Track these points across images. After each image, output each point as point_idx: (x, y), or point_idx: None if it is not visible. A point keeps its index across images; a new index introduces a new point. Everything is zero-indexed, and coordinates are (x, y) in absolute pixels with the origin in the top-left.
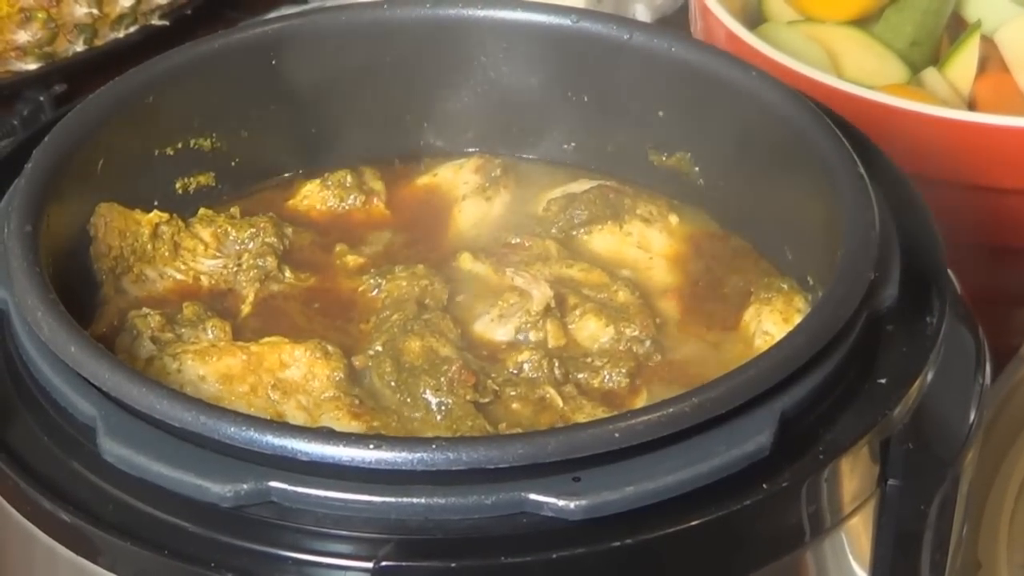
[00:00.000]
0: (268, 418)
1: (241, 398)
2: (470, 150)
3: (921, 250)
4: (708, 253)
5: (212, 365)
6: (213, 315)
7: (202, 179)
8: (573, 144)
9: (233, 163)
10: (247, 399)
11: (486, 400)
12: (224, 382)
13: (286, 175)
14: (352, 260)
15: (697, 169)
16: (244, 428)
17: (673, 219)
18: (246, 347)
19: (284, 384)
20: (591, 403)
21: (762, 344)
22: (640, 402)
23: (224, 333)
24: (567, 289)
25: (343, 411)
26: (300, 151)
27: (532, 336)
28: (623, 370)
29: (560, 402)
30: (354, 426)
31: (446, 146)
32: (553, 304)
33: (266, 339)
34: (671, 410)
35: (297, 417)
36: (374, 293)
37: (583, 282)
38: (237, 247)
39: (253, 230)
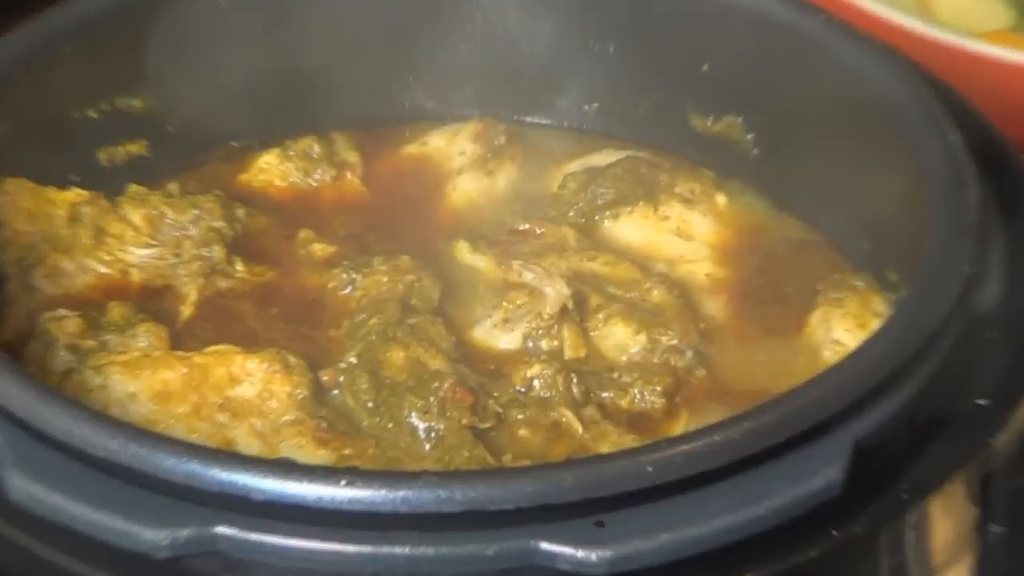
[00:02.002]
0: (214, 447)
1: (181, 421)
2: (467, 113)
3: None
4: (764, 242)
5: (145, 380)
6: (146, 318)
7: (132, 148)
8: (595, 105)
9: (171, 128)
10: (188, 423)
11: (486, 425)
12: (160, 401)
13: (237, 143)
14: (320, 249)
15: (750, 137)
16: (184, 459)
17: (720, 199)
18: (187, 358)
19: (234, 404)
20: (618, 429)
21: (831, 356)
22: (678, 428)
23: (160, 340)
24: (588, 287)
25: (307, 438)
26: (255, 113)
27: (544, 345)
28: (658, 388)
29: (579, 428)
30: (321, 456)
31: (438, 108)
32: (571, 305)
33: (212, 348)
34: (717, 438)
35: (250, 446)
36: (347, 291)
37: (608, 278)
38: (176, 233)
39: (196, 212)
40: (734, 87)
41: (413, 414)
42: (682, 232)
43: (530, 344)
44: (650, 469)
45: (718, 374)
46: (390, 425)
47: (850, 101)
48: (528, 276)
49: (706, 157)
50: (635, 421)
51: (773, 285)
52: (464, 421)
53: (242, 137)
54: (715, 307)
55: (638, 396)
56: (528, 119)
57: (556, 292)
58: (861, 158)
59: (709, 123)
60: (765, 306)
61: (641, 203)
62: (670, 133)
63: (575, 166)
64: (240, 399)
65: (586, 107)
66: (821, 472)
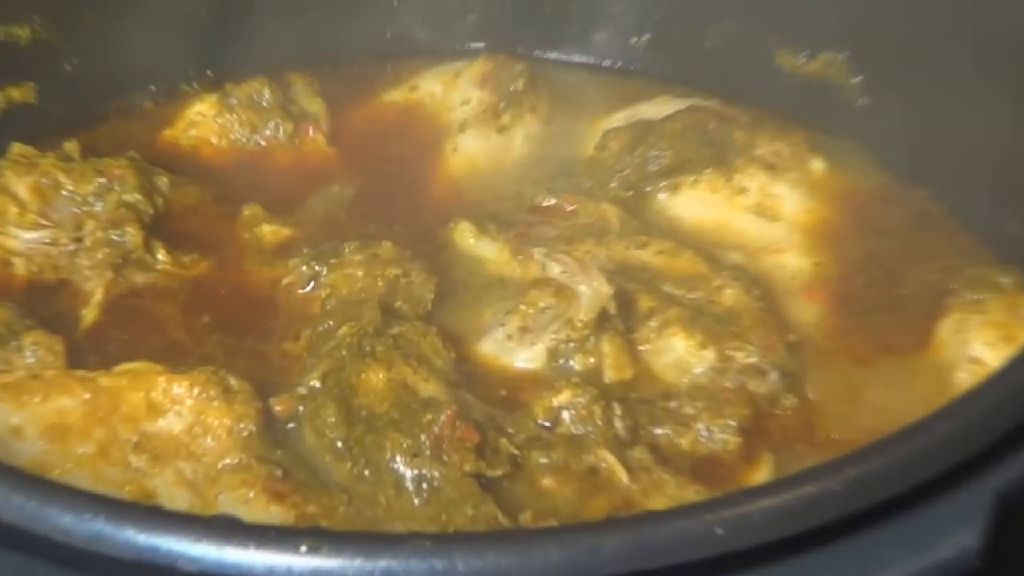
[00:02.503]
0: (128, 500)
1: (83, 465)
2: (472, 46)
3: None
4: (877, 222)
5: (33, 409)
6: (34, 324)
7: (15, 93)
8: (647, 36)
9: (69, 66)
10: (93, 467)
11: (498, 473)
12: (54, 438)
13: (159, 87)
14: (270, 232)
15: (857, 80)
16: (87, 516)
17: (817, 164)
18: (91, 380)
19: (155, 443)
20: (676, 478)
21: (966, 378)
22: (759, 477)
23: (53, 355)
24: (637, 284)
25: (255, 489)
26: (185, 43)
27: (577, 363)
28: (731, 422)
29: (624, 476)
30: (275, 515)
31: (432, 39)
32: (613, 309)
33: (124, 366)
34: (812, 490)
35: (177, 498)
36: (308, 289)
37: (664, 272)
38: (75, 209)
39: (102, 181)
40: (836, 11)
41: (398, 457)
42: (764, 210)
43: (558, 362)
44: (720, 532)
45: (813, 404)
46: (367, 472)
47: (1004, 36)
48: (555, 269)
49: (797, 108)
50: (701, 467)
51: (886, 281)
52: (467, 467)
53: (166, 78)
54: (809, 312)
55: (704, 433)
56: (554, 55)
57: (593, 291)
58: (1013, 111)
59: (801, 61)
60: (876, 311)
61: (709, 170)
62: (748, 75)
63: (619, 119)
64: (163, 436)
65: (634, 39)
66: (953, 536)
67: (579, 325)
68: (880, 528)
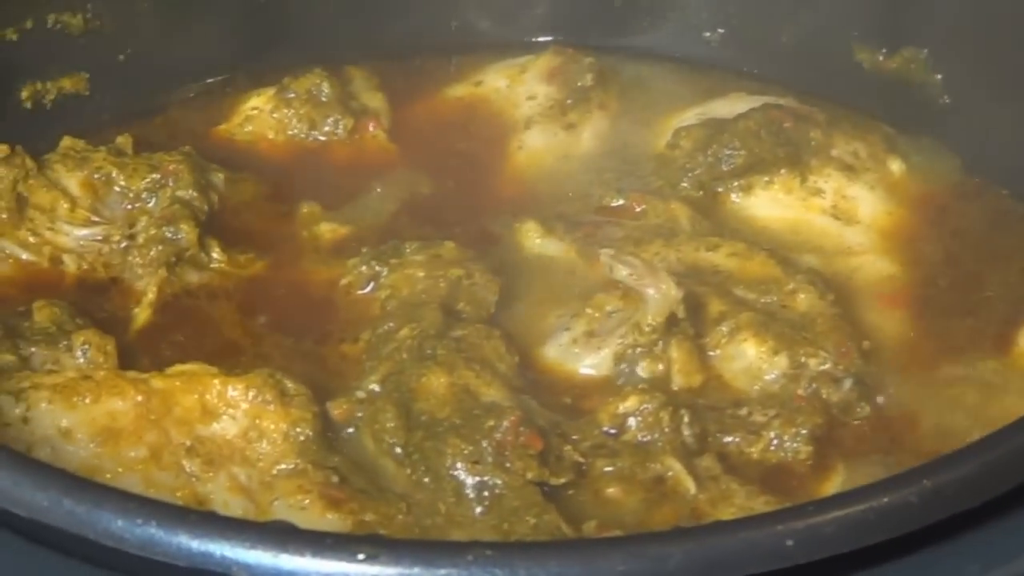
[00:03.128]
0: (181, 505)
1: (134, 470)
2: (540, 39)
3: None
4: (957, 223)
5: (84, 411)
6: (85, 324)
7: (67, 84)
8: (720, 31)
9: (122, 56)
10: (145, 472)
11: (561, 481)
12: (105, 441)
13: (215, 79)
14: (329, 231)
15: (939, 77)
16: (139, 520)
17: (896, 165)
18: (143, 381)
19: (209, 447)
20: (746, 488)
21: None
22: (832, 488)
23: (105, 356)
24: (707, 287)
25: (312, 496)
26: (243, 35)
27: (644, 370)
28: (803, 431)
29: (692, 486)
30: (331, 522)
31: (497, 31)
32: (682, 314)
33: (178, 368)
34: (887, 500)
35: (231, 505)
36: (367, 290)
37: (736, 275)
38: (128, 206)
39: (156, 176)
40: (917, 7)
41: (459, 464)
42: (841, 212)
43: (624, 368)
44: (790, 544)
45: (888, 413)
46: (427, 480)
47: None
48: (622, 272)
49: (876, 106)
50: (771, 477)
51: (967, 285)
52: (530, 475)
53: (223, 70)
54: (885, 318)
55: (775, 442)
56: (624, 49)
57: (662, 295)
58: None
59: (881, 58)
60: (956, 315)
61: (784, 170)
62: (825, 72)
63: (690, 117)
64: (217, 440)
65: (707, 33)
66: None
67: (647, 329)
68: (956, 541)
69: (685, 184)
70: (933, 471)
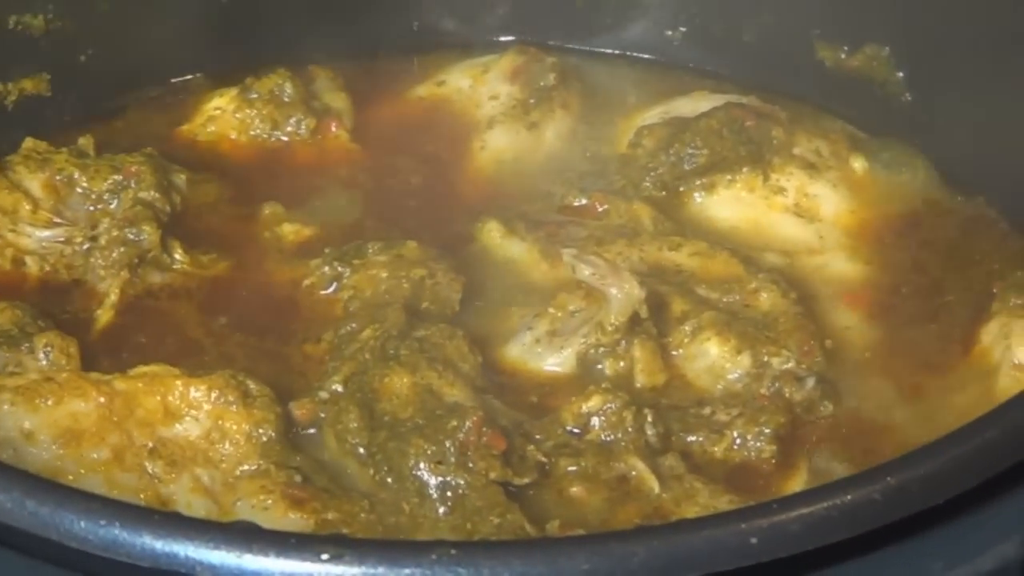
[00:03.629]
0: (144, 506)
1: (96, 471)
2: (502, 39)
3: None
4: (919, 223)
5: (46, 413)
6: (47, 325)
7: (28, 85)
8: (682, 30)
9: (83, 57)
10: (107, 473)
11: (524, 481)
12: (67, 443)
13: (177, 79)
14: (292, 232)
15: (901, 75)
16: (102, 523)
17: (858, 163)
18: (105, 383)
19: (171, 448)
20: (709, 487)
21: (1011, 384)
22: (795, 486)
23: (67, 357)
24: (670, 286)
25: (274, 496)
26: (205, 35)
27: (607, 368)
28: (767, 430)
29: (655, 485)
30: (294, 522)
31: (460, 30)
32: (645, 313)
33: (140, 369)
34: (850, 498)
35: (194, 506)
36: (330, 290)
37: (698, 274)
38: (90, 207)
39: (119, 177)
40: (878, 2)
41: (422, 464)
42: (803, 210)
43: (587, 368)
44: (754, 541)
45: (851, 411)
46: (390, 480)
47: None
48: (585, 271)
49: (839, 104)
50: (735, 476)
51: (930, 285)
52: (493, 475)
53: (185, 71)
54: (849, 317)
55: (738, 441)
56: (586, 48)
57: (624, 294)
58: None
59: (843, 55)
60: (919, 316)
61: (746, 169)
62: (787, 69)
63: (653, 116)
64: (179, 441)
65: (669, 31)
66: (996, 547)
67: (610, 329)
68: (920, 539)
69: (648, 183)
70: (896, 468)
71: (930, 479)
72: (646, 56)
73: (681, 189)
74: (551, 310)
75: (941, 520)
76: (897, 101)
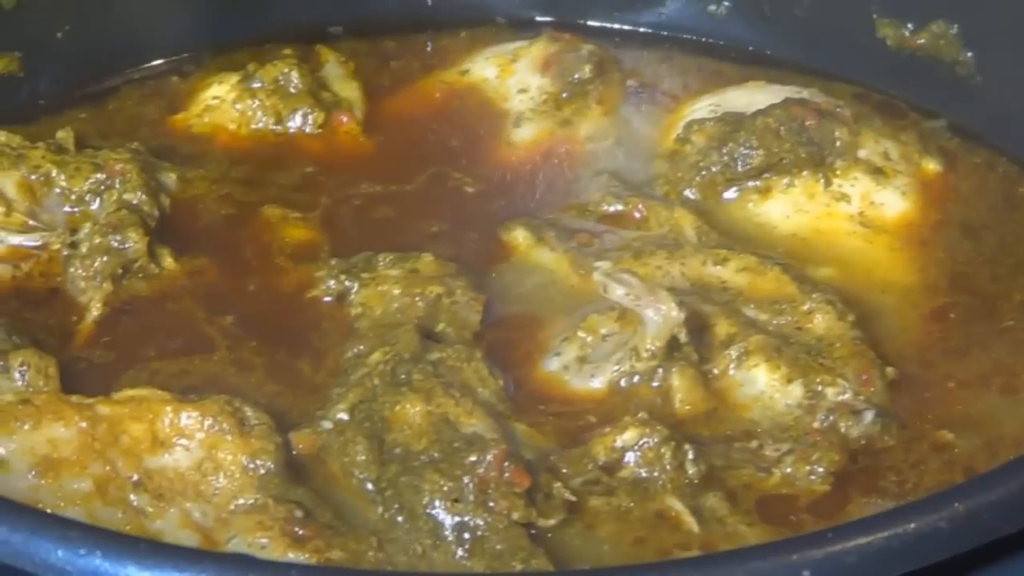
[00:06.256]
0: (128, 534)
1: (77, 503)
2: (533, 19)
3: None
4: (998, 228)
5: (22, 438)
6: (23, 342)
7: None
8: (726, 4)
9: (59, 33)
10: (88, 506)
11: (551, 522)
12: (45, 472)
13: (167, 59)
14: (293, 235)
15: (971, 55)
16: (82, 552)
17: (931, 166)
18: (87, 406)
19: (159, 480)
20: (754, 528)
21: None
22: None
23: (45, 379)
24: (713, 305)
25: (273, 532)
26: (201, 10)
27: (643, 398)
28: (820, 468)
29: (694, 527)
30: (295, 560)
31: (484, 9)
32: (685, 337)
33: (126, 392)
34: (912, 526)
35: (184, 542)
36: (332, 303)
37: (746, 292)
38: (69, 209)
39: (101, 176)
40: None
41: (437, 502)
42: (868, 220)
43: (621, 397)
44: (807, 575)
45: (916, 447)
46: (401, 518)
47: None
48: (618, 291)
49: (900, 88)
50: (782, 518)
51: (1005, 298)
52: (516, 515)
53: (175, 49)
54: (914, 342)
55: (790, 475)
56: (627, 27)
57: (662, 316)
58: None
59: (907, 33)
60: (993, 334)
61: (805, 173)
62: (844, 48)
63: (702, 108)
64: (168, 472)
65: (713, 6)
66: None
67: (645, 355)
68: (992, 571)
69: (696, 183)
70: (966, 493)
71: (1003, 505)
72: (688, 37)
73: (731, 193)
74: (581, 333)
75: (1015, 551)
76: (967, 84)
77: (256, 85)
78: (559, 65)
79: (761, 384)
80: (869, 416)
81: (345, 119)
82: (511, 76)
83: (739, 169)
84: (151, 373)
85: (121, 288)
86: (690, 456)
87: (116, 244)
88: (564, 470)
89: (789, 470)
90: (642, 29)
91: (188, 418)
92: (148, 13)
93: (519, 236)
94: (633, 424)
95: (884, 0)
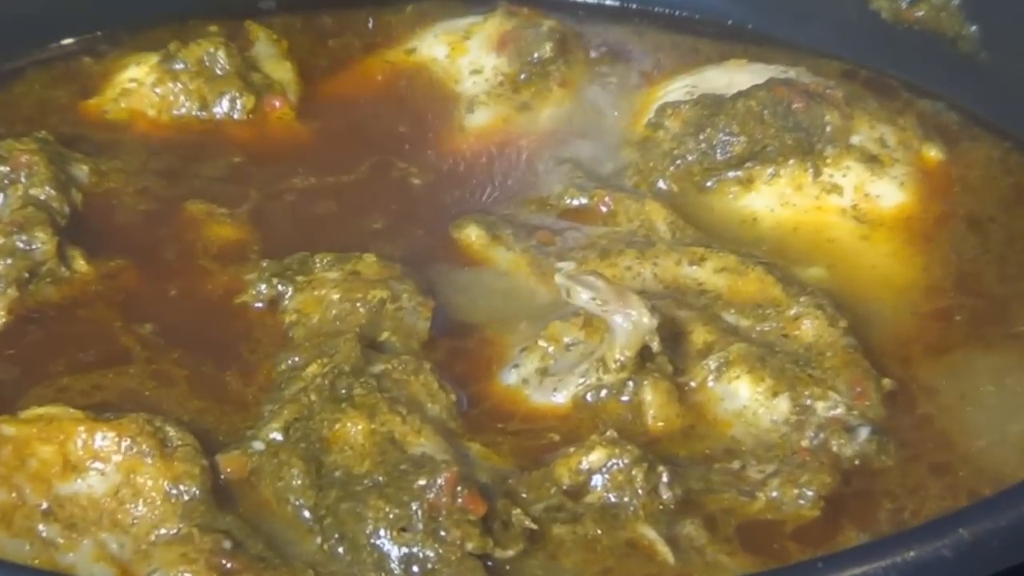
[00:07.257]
0: (38, 567)
1: None
2: None
3: None
4: (1003, 219)
5: None
6: None
7: None
8: None
9: None
10: None
11: (508, 554)
12: None
13: (79, 39)
14: (219, 234)
15: (975, 29)
16: None
17: (932, 152)
18: None
19: (71, 507)
20: (735, 558)
21: None
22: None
23: None
24: (690, 311)
25: (199, 565)
26: None
27: (611, 414)
28: (809, 491)
29: (669, 558)
30: None
31: None
32: (658, 346)
33: (34, 410)
34: (912, 554)
35: (100, 575)
36: (263, 309)
37: (725, 296)
38: None
39: (5, 169)
40: None
41: (382, 531)
42: (862, 214)
43: (587, 413)
44: None
45: (915, 467)
46: (342, 549)
47: None
48: (582, 296)
49: (896, 66)
50: (766, 546)
51: (1014, 299)
52: (470, 546)
53: (90, 27)
54: (913, 350)
55: (775, 499)
56: (589, 2)
57: (632, 323)
58: None
59: (903, 5)
60: (1000, 339)
61: (792, 161)
62: (835, 23)
63: (677, 90)
64: (81, 500)
65: None
66: None
67: (614, 366)
68: None
69: (671, 171)
70: (972, 519)
71: (1012, 531)
72: (660, 10)
73: (710, 184)
74: (541, 343)
75: None
76: (970, 62)
77: (178, 66)
78: (516, 43)
79: (743, 398)
80: (864, 433)
81: (278, 103)
82: (463, 55)
83: (718, 158)
84: (61, 389)
85: (27, 294)
86: (664, 479)
87: (22, 245)
88: (524, 495)
89: (775, 494)
90: (609, 2)
91: (103, 439)
92: None
93: (472, 234)
94: (600, 444)
95: None
